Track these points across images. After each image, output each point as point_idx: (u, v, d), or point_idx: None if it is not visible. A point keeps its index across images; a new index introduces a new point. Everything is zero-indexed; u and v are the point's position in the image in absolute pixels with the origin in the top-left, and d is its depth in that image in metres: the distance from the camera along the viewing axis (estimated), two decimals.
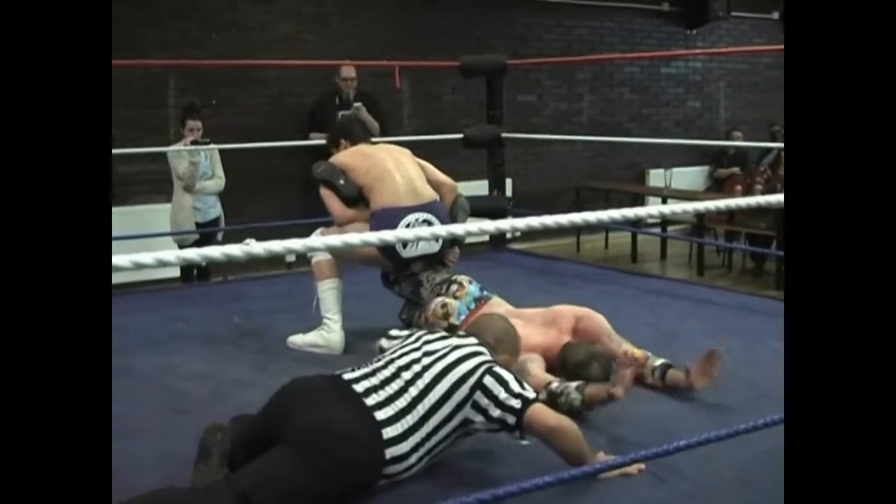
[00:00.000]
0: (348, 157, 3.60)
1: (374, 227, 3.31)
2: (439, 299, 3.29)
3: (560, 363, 2.98)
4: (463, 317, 3.18)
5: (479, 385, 2.26)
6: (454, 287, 3.33)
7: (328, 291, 3.52)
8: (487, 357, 2.36)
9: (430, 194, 3.53)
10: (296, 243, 1.31)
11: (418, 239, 3.27)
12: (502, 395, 2.24)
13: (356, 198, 3.51)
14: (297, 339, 3.54)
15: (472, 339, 2.45)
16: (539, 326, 3.09)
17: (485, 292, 3.34)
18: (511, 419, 2.24)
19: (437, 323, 3.19)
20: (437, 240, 3.33)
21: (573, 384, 2.69)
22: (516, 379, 2.32)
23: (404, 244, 3.33)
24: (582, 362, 2.92)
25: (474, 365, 2.29)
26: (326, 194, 3.54)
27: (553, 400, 2.63)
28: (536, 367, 2.86)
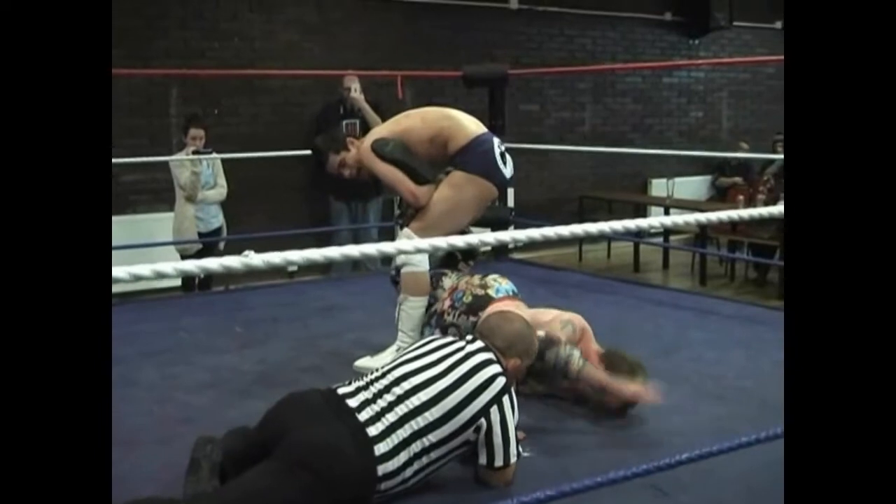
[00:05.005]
0: (397, 121, 3.42)
1: (474, 161, 3.20)
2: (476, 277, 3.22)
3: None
4: (502, 294, 3.06)
5: (485, 415, 2.25)
6: (495, 275, 3.22)
7: (417, 309, 3.26)
8: (499, 385, 2.30)
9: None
10: (295, 255, 1.30)
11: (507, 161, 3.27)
12: (497, 440, 2.26)
13: (430, 179, 3.29)
14: (367, 363, 3.21)
15: (479, 344, 2.41)
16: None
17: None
18: (483, 460, 2.29)
19: (472, 289, 3.10)
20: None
21: (577, 352, 2.77)
22: (514, 429, 2.32)
23: (504, 162, 3.27)
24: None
25: (484, 396, 2.26)
26: (397, 178, 3.28)
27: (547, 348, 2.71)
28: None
